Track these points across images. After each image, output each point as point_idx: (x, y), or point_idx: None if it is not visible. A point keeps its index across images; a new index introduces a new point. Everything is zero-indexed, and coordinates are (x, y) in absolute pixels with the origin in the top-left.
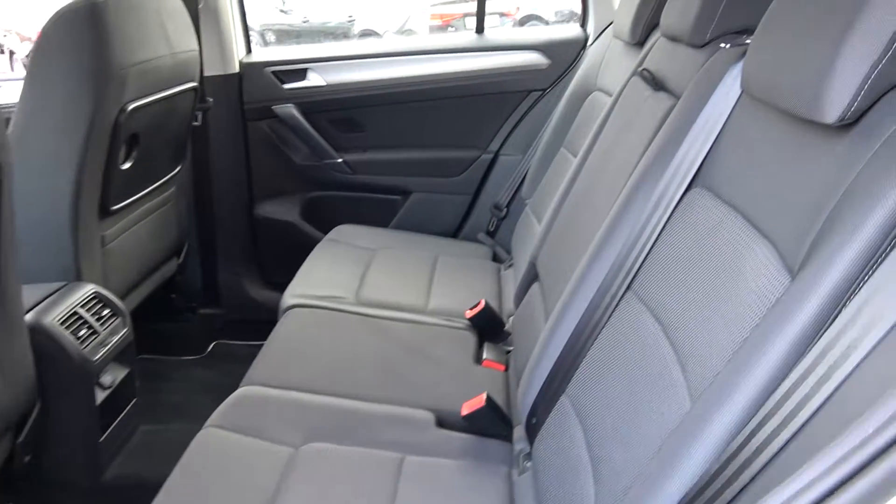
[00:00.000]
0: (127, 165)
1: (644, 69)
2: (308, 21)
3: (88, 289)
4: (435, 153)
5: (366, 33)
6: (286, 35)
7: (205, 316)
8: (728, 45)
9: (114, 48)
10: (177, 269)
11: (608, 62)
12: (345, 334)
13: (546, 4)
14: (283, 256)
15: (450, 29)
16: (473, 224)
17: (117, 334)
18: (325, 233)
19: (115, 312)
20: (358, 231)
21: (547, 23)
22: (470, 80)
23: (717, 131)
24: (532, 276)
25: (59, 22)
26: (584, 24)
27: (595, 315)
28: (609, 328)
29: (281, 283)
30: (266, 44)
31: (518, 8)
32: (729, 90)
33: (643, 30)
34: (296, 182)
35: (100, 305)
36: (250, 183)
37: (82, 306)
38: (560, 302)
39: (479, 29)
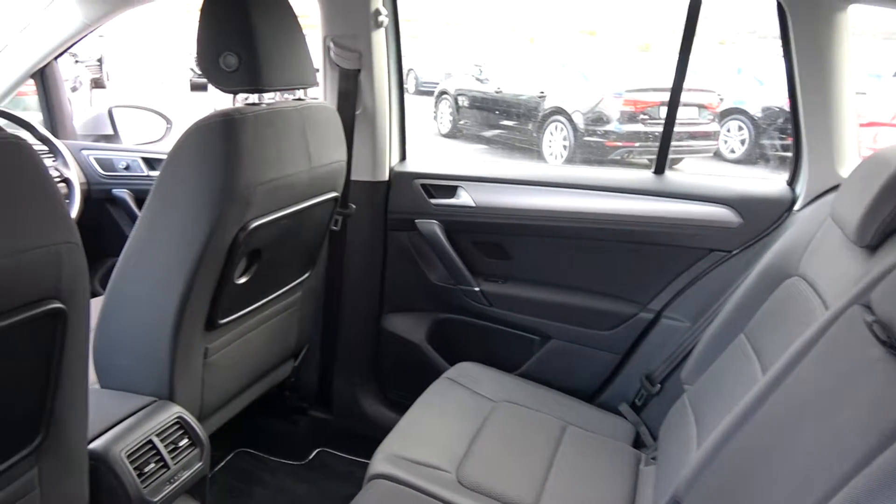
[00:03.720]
0: (243, 280)
1: (876, 321)
2: (501, 91)
3: (172, 413)
4: (585, 300)
5: (555, 110)
6: (478, 101)
7: (314, 419)
8: None
9: (242, 169)
10: (291, 372)
11: (820, 244)
12: None
13: (755, 96)
14: (401, 375)
15: (641, 117)
16: (616, 390)
17: (190, 469)
18: (450, 361)
19: (194, 443)
20: (481, 372)
21: (754, 119)
22: (641, 226)
23: None
24: None
25: (192, 136)
26: (792, 182)
27: None
28: None
29: (396, 401)
30: (458, 107)
31: (721, 100)
32: None
33: (876, 234)
34: (428, 300)
35: (179, 433)
36: (382, 293)
37: (159, 434)
38: None
39: (660, 169)
